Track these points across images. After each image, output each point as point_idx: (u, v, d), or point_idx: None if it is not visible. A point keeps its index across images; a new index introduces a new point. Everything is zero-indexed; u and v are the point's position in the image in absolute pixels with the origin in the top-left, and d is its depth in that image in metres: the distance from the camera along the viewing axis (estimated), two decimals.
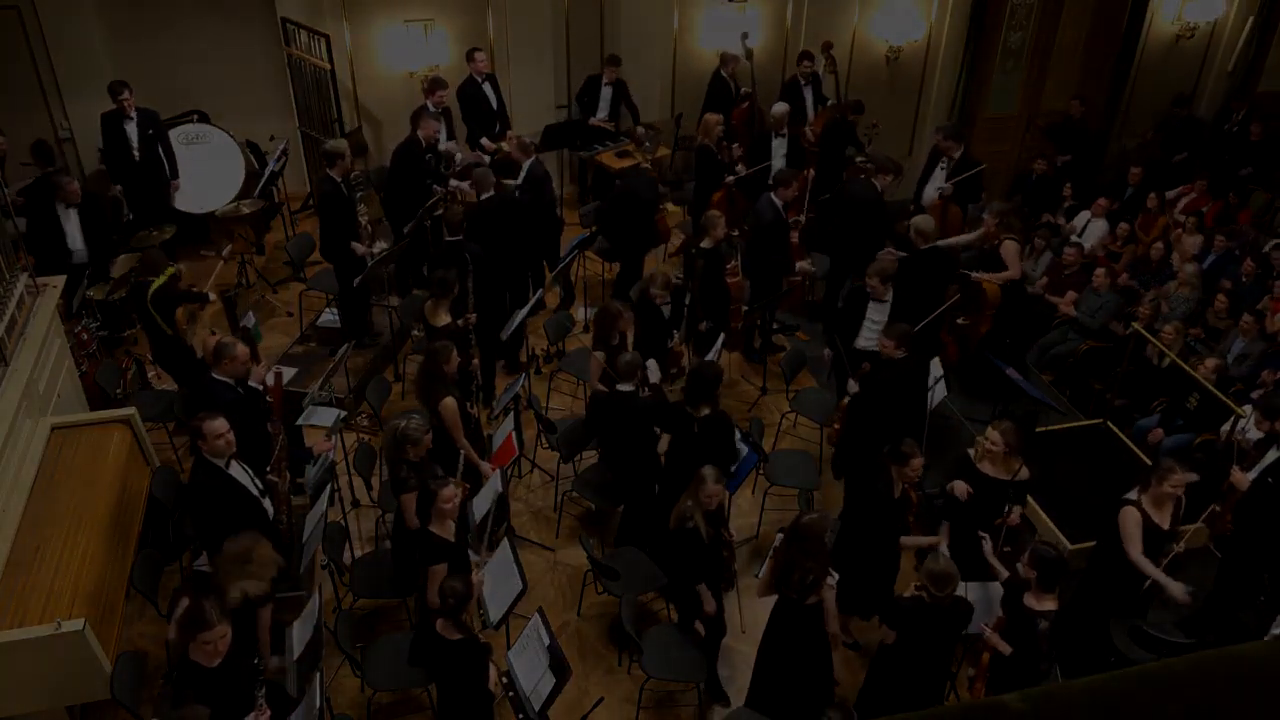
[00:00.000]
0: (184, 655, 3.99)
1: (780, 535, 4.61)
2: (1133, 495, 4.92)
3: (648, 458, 5.83)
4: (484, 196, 7.20)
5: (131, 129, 8.07)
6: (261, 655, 4.58)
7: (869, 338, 6.57)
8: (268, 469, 5.21)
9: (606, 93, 9.51)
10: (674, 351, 6.87)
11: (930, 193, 8.35)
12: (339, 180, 7.12)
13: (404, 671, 4.78)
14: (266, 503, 5.04)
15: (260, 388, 5.64)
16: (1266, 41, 11.08)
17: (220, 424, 4.75)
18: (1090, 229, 9.05)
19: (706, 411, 5.45)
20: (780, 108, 8.68)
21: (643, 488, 5.84)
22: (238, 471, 4.90)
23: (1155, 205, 9.31)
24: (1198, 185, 9.53)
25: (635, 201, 7.93)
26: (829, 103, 9.66)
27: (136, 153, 8.12)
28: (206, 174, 8.63)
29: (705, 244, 7.10)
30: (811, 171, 8.35)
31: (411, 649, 4.80)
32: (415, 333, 7.70)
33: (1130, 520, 4.83)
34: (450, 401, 5.55)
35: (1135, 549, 4.80)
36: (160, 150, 8.29)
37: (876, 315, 6.55)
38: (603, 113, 9.62)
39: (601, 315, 6.21)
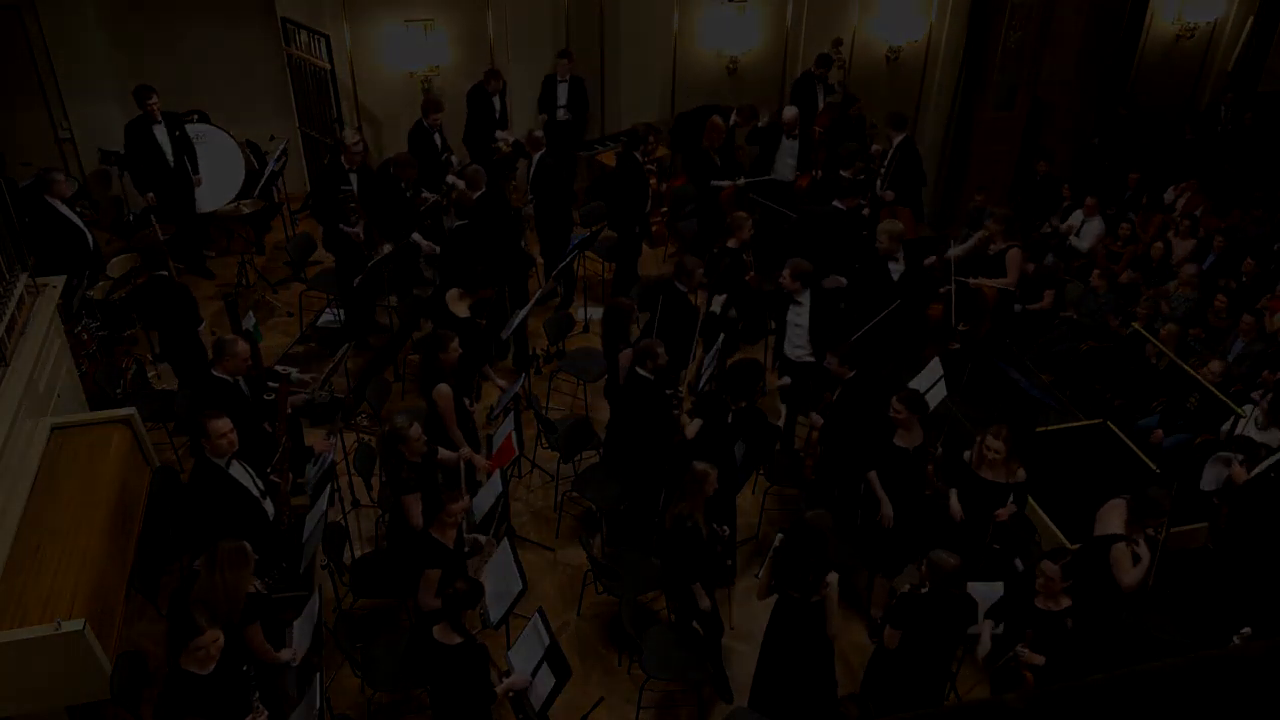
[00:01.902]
0: (176, 666, 3.91)
1: (780, 535, 4.61)
2: (1121, 530, 4.83)
3: (650, 453, 5.81)
4: (477, 195, 7.19)
5: (162, 133, 7.91)
6: (266, 660, 4.51)
7: (795, 344, 6.46)
8: (269, 469, 5.21)
9: (563, 89, 9.27)
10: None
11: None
12: (347, 169, 7.22)
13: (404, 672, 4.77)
14: (267, 503, 5.03)
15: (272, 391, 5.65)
16: (1266, 41, 11.09)
17: (224, 423, 4.75)
18: (1086, 229, 9.05)
19: (743, 404, 5.59)
20: (790, 111, 8.61)
21: (643, 485, 5.84)
22: (239, 472, 4.90)
23: (1147, 204, 9.31)
24: (1190, 184, 9.52)
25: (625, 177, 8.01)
26: (830, 99, 9.65)
27: (171, 158, 7.94)
28: (207, 174, 8.62)
29: (731, 244, 7.01)
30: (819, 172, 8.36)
31: (404, 658, 4.75)
32: (418, 333, 7.69)
33: (1122, 556, 4.79)
34: (444, 388, 5.53)
35: (1130, 578, 4.79)
36: (186, 150, 8.17)
37: (796, 318, 6.43)
38: (560, 111, 9.34)
39: (611, 312, 6.19)
